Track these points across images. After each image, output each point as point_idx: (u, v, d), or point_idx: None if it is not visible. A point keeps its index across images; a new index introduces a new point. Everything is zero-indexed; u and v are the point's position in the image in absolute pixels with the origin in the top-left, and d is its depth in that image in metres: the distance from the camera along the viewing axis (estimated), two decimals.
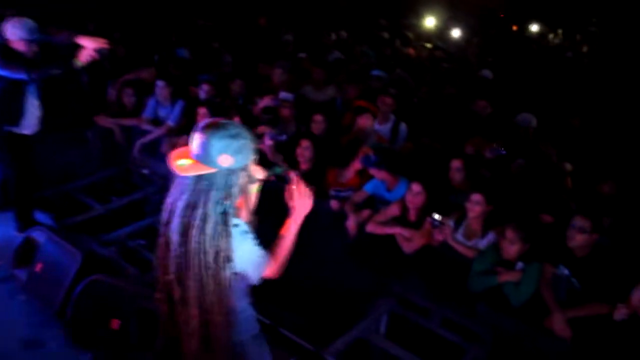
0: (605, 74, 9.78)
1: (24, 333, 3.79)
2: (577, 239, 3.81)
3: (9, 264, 4.32)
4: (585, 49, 13.09)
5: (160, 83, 6.23)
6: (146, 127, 6.19)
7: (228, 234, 2.06)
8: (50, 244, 3.96)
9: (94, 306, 3.34)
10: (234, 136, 2.04)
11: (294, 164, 5.15)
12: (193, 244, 2.03)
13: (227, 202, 2.06)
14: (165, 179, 5.84)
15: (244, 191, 2.14)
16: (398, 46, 10.29)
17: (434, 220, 4.13)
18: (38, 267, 3.90)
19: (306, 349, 4.06)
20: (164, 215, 2.14)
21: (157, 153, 5.95)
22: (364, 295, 4.28)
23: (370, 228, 4.51)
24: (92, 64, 4.66)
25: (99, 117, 6.40)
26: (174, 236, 2.08)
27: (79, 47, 4.42)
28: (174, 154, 2.09)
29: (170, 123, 6.12)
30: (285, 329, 4.11)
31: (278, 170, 2.72)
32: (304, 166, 5.10)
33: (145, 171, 6.01)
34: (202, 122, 2.10)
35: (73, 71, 4.58)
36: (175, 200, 2.10)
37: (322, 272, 4.72)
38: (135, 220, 5.20)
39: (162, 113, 6.26)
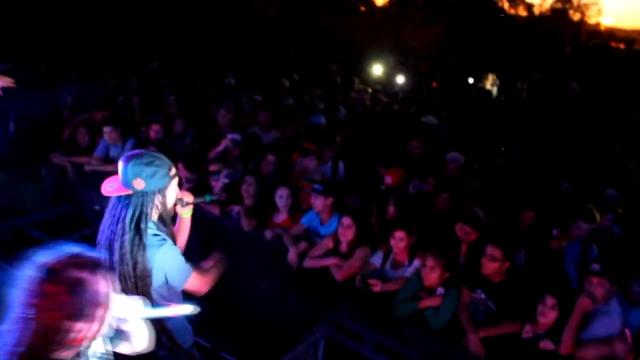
0: (540, 115, 10.50)
1: None
2: (489, 267, 4.15)
3: None
4: (524, 93, 13.94)
5: (106, 129, 6.41)
6: (96, 165, 6.38)
7: (144, 247, 2.41)
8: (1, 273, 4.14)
9: None
10: (147, 163, 2.44)
11: (239, 200, 5.48)
12: (116, 256, 2.41)
13: (142, 219, 2.42)
14: None
15: (166, 211, 2.50)
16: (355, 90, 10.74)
17: (362, 284, 4.46)
18: None
19: None
20: (99, 234, 2.51)
21: None
22: (302, 323, 4.52)
23: (308, 263, 4.82)
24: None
25: (52, 154, 6.62)
26: (102, 249, 2.45)
27: None
28: (107, 180, 2.49)
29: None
30: (224, 353, 4.35)
31: (208, 198, 3.01)
32: (247, 202, 5.41)
33: (96, 207, 6.18)
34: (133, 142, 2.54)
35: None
36: (106, 221, 2.49)
37: (263, 301, 4.98)
38: None
39: (113, 153, 6.46)
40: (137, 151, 2.54)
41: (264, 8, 13.98)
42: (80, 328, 1.52)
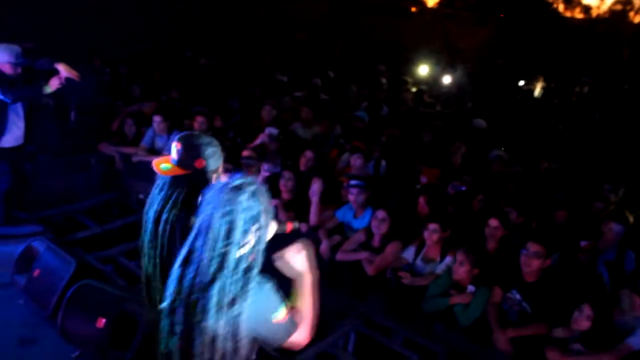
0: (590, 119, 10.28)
1: (21, 332, 4.16)
2: (533, 265, 4.11)
3: (10, 271, 4.65)
4: (574, 98, 13.64)
5: (157, 118, 6.62)
6: (142, 155, 6.60)
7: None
8: (49, 252, 4.37)
9: (83, 307, 3.74)
10: (206, 143, 2.54)
11: (277, 194, 5.60)
12: (162, 225, 2.47)
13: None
14: None
15: None
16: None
17: (392, 276, 4.55)
18: (36, 272, 4.30)
19: (274, 358, 4.38)
20: (146, 207, 2.57)
21: (153, 179, 6.36)
22: (332, 315, 4.59)
23: (340, 257, 4.91)
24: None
25: (101, 144, 6.92)
26: (149, 224, 2.52)
27: (55, 73, 4.81)
28: (156, 160, 2.55)
29: (166, 152, 6.51)
30: None
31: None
32: (285, 196, 5.52)
33: (141, 196, 6.40)
34: (178, 134, 2.60)
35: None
36: (154, 196, 2.54)
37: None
38: (129, 241, 5.59)
39: (159, 143, 6.69)
40: (189, 132, 2.62)
41: (312, 7, 14.11)
42: (255, 228, 1.94)
